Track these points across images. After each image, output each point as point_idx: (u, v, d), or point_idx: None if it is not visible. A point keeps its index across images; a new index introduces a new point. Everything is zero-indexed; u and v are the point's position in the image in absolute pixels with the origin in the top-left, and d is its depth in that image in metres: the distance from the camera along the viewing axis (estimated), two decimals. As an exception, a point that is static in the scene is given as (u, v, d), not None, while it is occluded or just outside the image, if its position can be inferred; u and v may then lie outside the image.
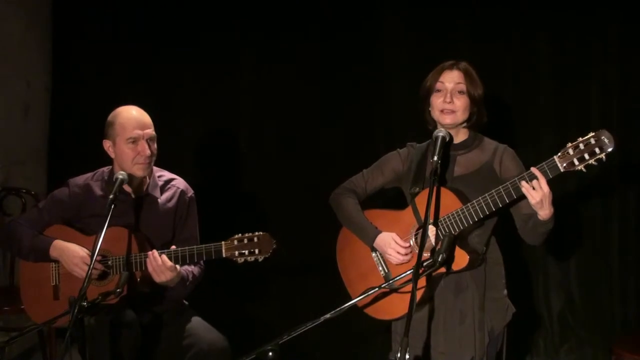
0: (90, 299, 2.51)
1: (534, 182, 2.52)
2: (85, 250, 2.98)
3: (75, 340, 2.52)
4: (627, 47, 3.99)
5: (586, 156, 2.45)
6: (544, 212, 2.57)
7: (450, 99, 2.75)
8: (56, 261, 3.05)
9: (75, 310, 2.44)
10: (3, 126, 4.30)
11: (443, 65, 2.82)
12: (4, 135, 4.30)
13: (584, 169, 2.47)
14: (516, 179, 2.56)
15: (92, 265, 2.62)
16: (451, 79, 2.77)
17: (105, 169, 3.16)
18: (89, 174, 3.17)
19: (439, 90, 2.78)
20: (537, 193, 2.52)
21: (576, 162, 2.46)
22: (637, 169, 4.04)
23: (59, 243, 3.02)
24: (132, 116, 2.99)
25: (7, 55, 4.28)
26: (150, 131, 3.01)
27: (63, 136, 4.64)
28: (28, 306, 3.13)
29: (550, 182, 2.55)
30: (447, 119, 2.76)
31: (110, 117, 3.03)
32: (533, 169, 2.53)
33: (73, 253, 2.98)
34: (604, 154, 2.44)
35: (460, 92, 2.76)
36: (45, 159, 4.61)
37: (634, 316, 4.10)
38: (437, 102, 2.78)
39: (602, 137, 2.43)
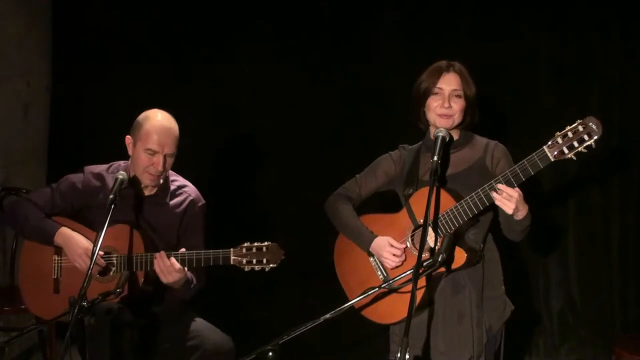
0: (90, 299, 2.51)
1: (504, 194, 2.54)
2: (91, 242, 2.97)
3: (75, 340, 2.52)
4: (627, 47, 3.99)
5: (575, 144, 2.47)
6: (521, 213, 2.60)
7: (448, 103, 2.76)
8: (59, 253, 3.05)
9: (75, 311, 2.44)
10: (3, 126, 4.30)
11: (439, 66, 2.82)
12: (4, 135, 4.30)
13: (574, 157, 2.49)
14: (517, 167, 2.56)
15: (92, 264, 2.62)
16: (449, 83, 2.78)
17: (122, 162, 3.15)
18: (105, 165, 3.17)
19: (436, 94, 2.79)
20: (511, 202, 2.54)
21: (566, 151, 2.48)
22: (637, 168, 4.04)
23: (65, 230, 3.02)
24: (159, 127, 2.98)
25: (7, 55, 4.28)
26: (171, 148, 3.00)
27: (63, 136, 4.64)
28: (28, 299, 3.13)
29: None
30: (445, 123, 2.77)
31: (140, 117, 3.03)
32: (496, 184, 2.56)
33: (78, 243, 2.98)
34: (592, 140, 2.45)
35: (458, 95, 2.78)
36: (45, 159, 4.61)
37: (634, 316, 4.10)
38: (434, 105, 2.79)
39: (590, 124, 2.46)
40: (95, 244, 2.66)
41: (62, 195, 3.10)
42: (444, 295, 2.79)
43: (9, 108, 4.35)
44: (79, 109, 4.61)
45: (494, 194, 2.56)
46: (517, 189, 2.55)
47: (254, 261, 2.83)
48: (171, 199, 3.12)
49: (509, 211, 2.55)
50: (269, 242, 2.85)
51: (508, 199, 2.54)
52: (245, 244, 2.85)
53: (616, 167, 4.02)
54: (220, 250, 2.87)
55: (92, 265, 2.62)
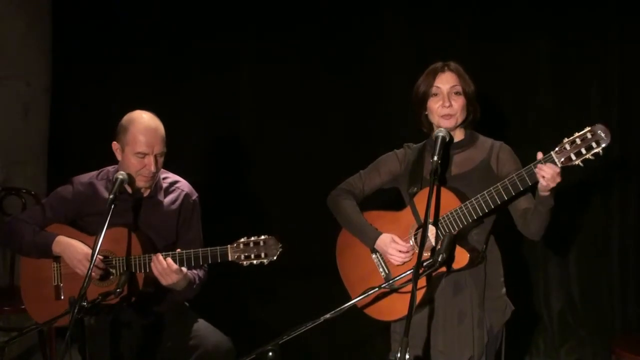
0: (90, 299, 2.51)
1: (548, 175, 2.50)
2: (89, 247, 2.96)
3: (75, 340, 2.52)
4: (627, 47, 3.99)
5: (583, 151, 2.46)
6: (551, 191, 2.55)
7: (448, 102, 2.76)
8: (57, 260, 3.05)
9: (75, 310, 2.44)
10: (3, 126, 4.30)
11: (435, 68, 2.82)
12: (4, 135, 4.30)
13: (581, 164, 2.47)
14: (523, 171, 2.54)
15: (92, 266, 2.62)
16: (446, 82, 2.78)
17: (111, 168, 3.14)
18: (94, 173, 3.15)
19: (435, 95, 2.79)
20: (557, 178, 2.50)
21: (573, 157, 2.47)
22: (637, 168, 4.04)
23: (62, 239, 3.01)
24: (145, 129, 2.95)
25: (7, 55, 4.28)
26: (160, 147, 2.98)
27: (63, 136, 4.64)
28: (29, 306, 3.12)
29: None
30: (448, 123, 2.77)
31: (124, 121, 3.00)
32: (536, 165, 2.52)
33: (77, 250, 2.97)
34: (600, 148, 2.44)
35: (457, 93, 2.78)
36: (45, 159, 4.61)
37: (634, 316, 4.10)
38: (435, 106, 2.78)
39: (598, 131, 2.44)
40: (95, 245, 2.65)
41: (53, 209, 3.09)
42: (444, 295, 2.79)
43: (9, 108, 4.35)
44: (79, 109, 4.61)
45: (539, 172, 2.49)
46: (552, 165, 2.49)
47: (252, 256, 2.82)
48: (165, 196, 3.12)
49: (552, 185, 2.50)
50: (266, 236, 2.84)
51: (554, 178, 2.49)
52: (242, 240, 2.84)
53: (616, 168, 4.01)
54: (218, 248, 2.86)
55: (92, 266, 2.62)
